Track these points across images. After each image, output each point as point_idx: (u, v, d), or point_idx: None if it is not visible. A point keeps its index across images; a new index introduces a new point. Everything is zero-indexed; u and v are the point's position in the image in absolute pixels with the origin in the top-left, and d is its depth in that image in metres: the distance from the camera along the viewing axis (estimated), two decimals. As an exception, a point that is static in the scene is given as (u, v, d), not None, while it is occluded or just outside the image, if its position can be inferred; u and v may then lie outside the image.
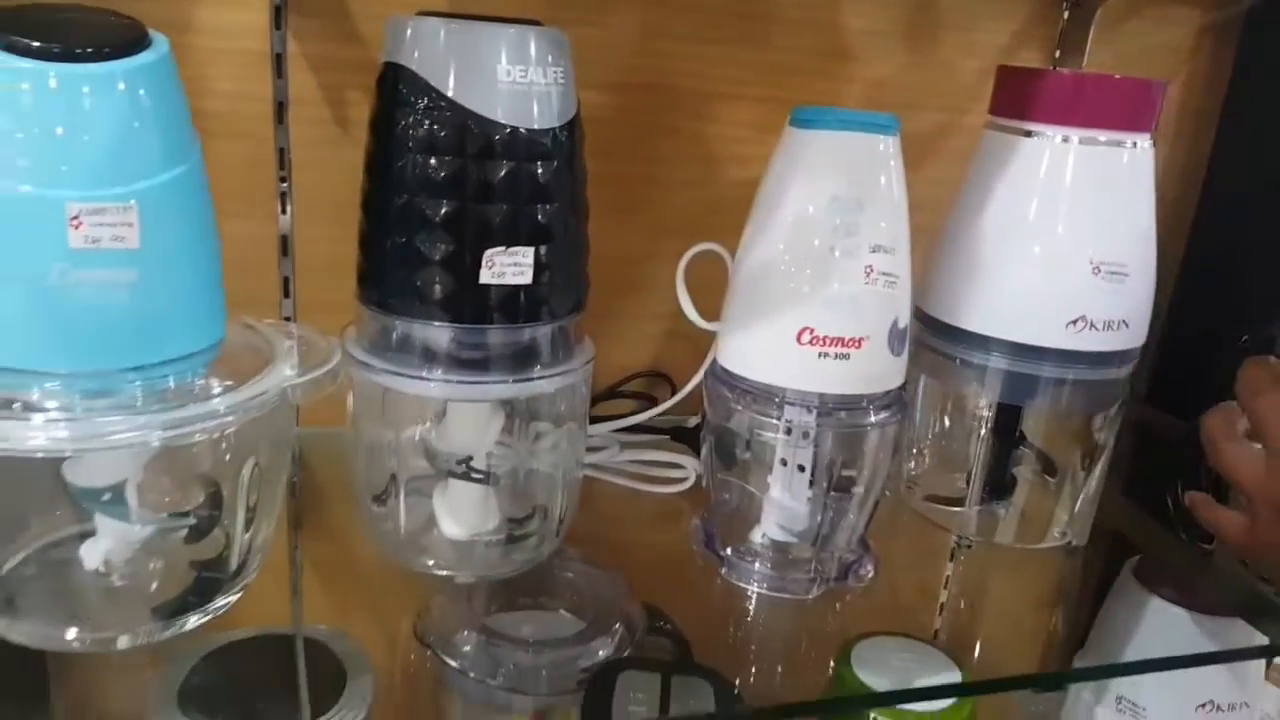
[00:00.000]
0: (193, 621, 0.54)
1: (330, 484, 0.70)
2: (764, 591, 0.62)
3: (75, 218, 0.45)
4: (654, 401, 0.78)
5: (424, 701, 0.68)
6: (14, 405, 0.45)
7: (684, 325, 0.62)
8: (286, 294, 0.71)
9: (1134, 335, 0.63)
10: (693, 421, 0.77)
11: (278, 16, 0.65)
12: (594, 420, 0.74)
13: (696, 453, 0.74)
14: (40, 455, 0.45)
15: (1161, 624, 0.70)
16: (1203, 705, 0.74)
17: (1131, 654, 0.76)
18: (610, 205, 0.61)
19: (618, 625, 0.64)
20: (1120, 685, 0.76)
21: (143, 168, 0.46)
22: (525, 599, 0.68)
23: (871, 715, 0.68)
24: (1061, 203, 0.61)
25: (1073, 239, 0.61)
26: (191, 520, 0.56)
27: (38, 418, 0.45)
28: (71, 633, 0.52)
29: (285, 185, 0.69)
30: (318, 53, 0.67)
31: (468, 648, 0.61)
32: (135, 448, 0.49)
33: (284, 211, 0.70)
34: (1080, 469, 0.69)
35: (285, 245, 0.70)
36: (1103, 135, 0.61)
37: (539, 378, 0.56)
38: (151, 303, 0.48)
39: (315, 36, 0.67)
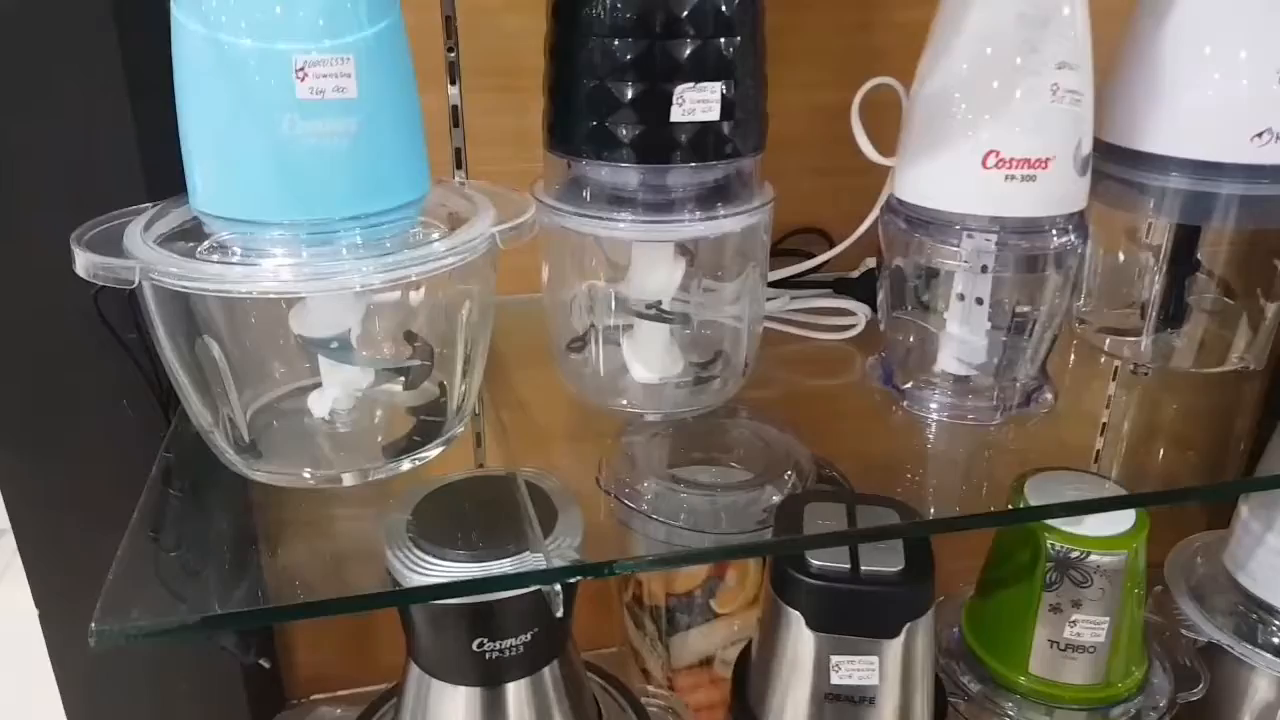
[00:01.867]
0: (412, 462, 0.58)
1: (518, 350, 0.74)
2: (945, 420, 0.64)
3: (300, 69, 0.48)
4: (812, 257, 0.79)
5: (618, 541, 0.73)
6: (248, 252, 0.49)
7: (841, 180, 0.62)
8: (459, 165, 0.74)
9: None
10: (856, 273, 0.78)
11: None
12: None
13: (863, 300, 0.75)
14: (273, 296, 0.49)
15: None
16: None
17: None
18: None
19: (789, 474, 0.67)
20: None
21: (354, 22, 0.49)
22: (699, 453, 0.71)
23: (1049, 542, 0.70)
24: (1241, 8, 0.59)
25: (1256, 46, 0.59)
26: (413, 368, 0.60)
27: (268, 263, 0.48)
28: (305, 472, 0.57)
29: (453, 55, 0.71)
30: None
31: (650, 495, 0.65)
32: (360, 293, 0.53)
33: (453, 82, 0.72)
34: (1260, 292, 0.68)
35: (455, 116, 0.73)
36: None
37: (725, 216, 0.58)
38: (370, 153, 0.51)
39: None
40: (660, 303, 0.62)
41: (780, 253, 0.82)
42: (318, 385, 0.59)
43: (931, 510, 0.61)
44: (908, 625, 0.62)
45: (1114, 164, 0.66)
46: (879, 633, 0.61)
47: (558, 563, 0.52)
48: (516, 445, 0.69)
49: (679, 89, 0.53)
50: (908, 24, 0.62)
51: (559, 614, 0.51)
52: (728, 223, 0.58)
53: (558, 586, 0.50)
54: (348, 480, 0.57)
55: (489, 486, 0.63)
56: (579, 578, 0.55)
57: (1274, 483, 0.67)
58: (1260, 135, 0.60)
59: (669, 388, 0.64)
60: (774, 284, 0.77)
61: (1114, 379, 0.70)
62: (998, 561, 0.76)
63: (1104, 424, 0.69)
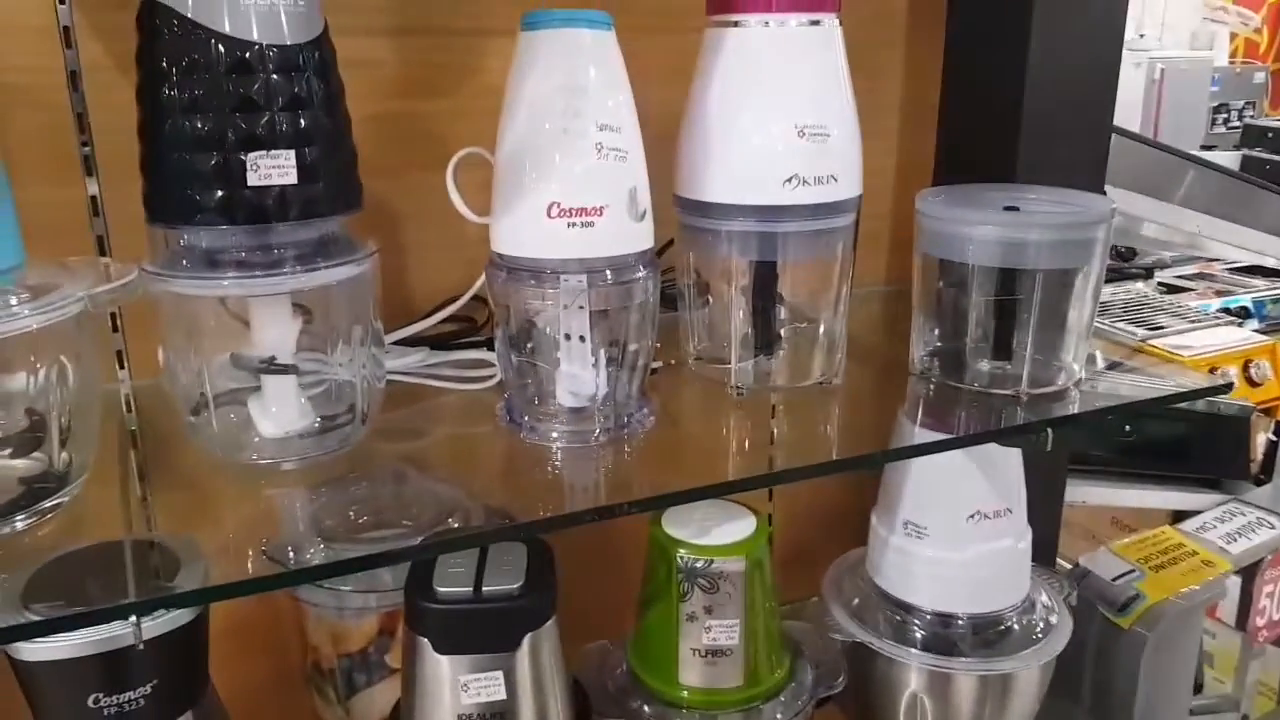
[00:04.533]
0: (19, 523, 0.59)
1: (170, 432, 0.76)
2: (562, 446, 0.70)
3: None
4: (471, 322, 0.86)
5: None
6: None
7: (473, 249, 0.69)
8: (104, 252, 0.77)
9: (845, 187, 0.73)
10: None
11: (58, -9, 0.71)
12: (417, 341, 0.82)
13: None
14: None
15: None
16: (971, 516, 0.85)
17: (910, 480, 0.86)
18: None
19: (434, 517, 0.71)
20: (905, 510, 0.87)
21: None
22: (346, 513, 0.74)
23: (679, 553, 0.77)
24: (767, 77, 0.71)
25: (777, 107, 0.71)
26: (18, 436, 0.61)
27: None
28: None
29: (88, 150, 0.75)
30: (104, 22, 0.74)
31: (316, 560, 0.68)
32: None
33: (90, 174, 0.76)
34: (827, 316, 0.79)
35: (96, 206, 0.76)
36: (794, 19, 0.71)
37: (326, 267, 0.63)
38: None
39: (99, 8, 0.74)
40: (274, 357, 0.66)
41: (452, 319, 0.88)
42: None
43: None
44: (529, 635, 0.67)
45: (695, 216, 0.76)
46: (501, 647, 0.66)
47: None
48: (167, 514, 0.70)
49: (252, 156, 0.59)
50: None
51: (139, 645, 0.53)
52: (325, 274, 0.64)
53: (134, 617, 0.53)
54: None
55: (110, 553, 0.65)
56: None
57: (855, 463, 0.76)
58: (790, 181, 0.71)
59: (294, 439, 0.68)
60: (415, 343, 0.83)
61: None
62: (645, 585, 0.82)
63: (708, 439, 0.77)
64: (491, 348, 0.85)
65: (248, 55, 0.59)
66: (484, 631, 0.66)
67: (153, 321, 0.67)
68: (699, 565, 0.77)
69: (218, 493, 0.70)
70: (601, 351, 0.70)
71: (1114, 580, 1.08)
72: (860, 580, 0.93)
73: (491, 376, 0.80)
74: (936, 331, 0.81)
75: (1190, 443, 1.43)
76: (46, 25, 0.72)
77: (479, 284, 0.75)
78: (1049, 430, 0.74)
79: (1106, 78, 0.96)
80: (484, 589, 0.67)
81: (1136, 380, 0.88)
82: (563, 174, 0.65)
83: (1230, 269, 2.13)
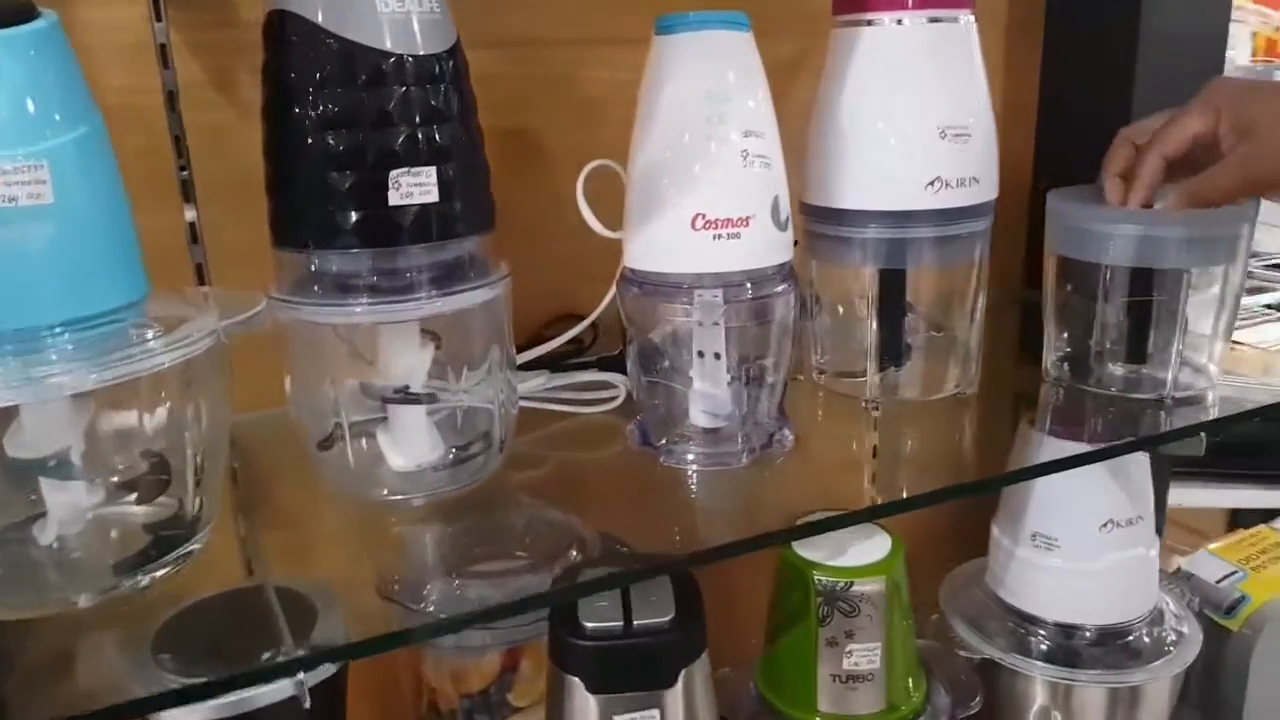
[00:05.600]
0: (148, 578, 0.55)
1: (274, 462, 0.72)
2: (700, 469, 0.67)
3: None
4: (579, 343, 0.82)
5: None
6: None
7: (590, 265, 0.66)
8: (203, 280, 0.74)
9: (986, 189, 0.70)
10: (618, 350, 0.82)
11: (156, 8, 0.68)
12: (523, 366, 0.78)
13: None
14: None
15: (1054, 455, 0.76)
16: (1104, 525, 0.82)
17: (1037, 490, 0.83)
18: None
19: (573, 551, 0.68)
20: (1033, 522, 0.84)
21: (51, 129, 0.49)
22: (480, 547, 0.71)
23: (816, 577, 0.73)
24: (906, 77, 0.68)
25: (920, 108, 0.68)
26: (144, 481, 0.58)
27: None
28: (34, 600, 0.54)
29: (186, 174, 0.72)
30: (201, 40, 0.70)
31: (435, 595, 0.64)
32: (78, 400, 0.51)
33: (188, 200, 0.72)
34: (960, 325, 0.76)
35: (194, 233, 0.73)
36: (929, 16, 0.68)
37: (462, 291, 0.60)
38: (73, 256, 0.50)
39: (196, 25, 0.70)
40: (408, 386, 0.63)
41: (546, 340, 0.84)
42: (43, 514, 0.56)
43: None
44: (684, 671, 0.63)
45: (823, 223, 0.73)
46: (656, 684, 0.63)
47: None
48: (283, 556, 0.67)
49: (394, 174, 0.55)
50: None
51: (306, 705, 0.50)
52: (463, 298, 0.60)
53: (301, 675, 0.49)
54: (83, 602, 0.54)
55: (240, 601, 0.61)
56: (332, 663, 0.54)
57: (1005, 481, 0.73)
58: (933, 184, 0.68)
59: (427, 472, 0.64)
60: (534, 365, 0.79)
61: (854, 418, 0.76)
62: (776, 610, 0.79)
63: (848, 457, 0.74)
64: (604, 368, 0.82)
65: (384, 66, 0.55)
66: (638, 668, 0.63)
67: (249, 352, 0.63)
68: (839, 588, 0.73)
69: (343, 531, 0.67)
70: (741, 369, 0.67)
71: (1217, 582, 1.05)
72: (980, 593, 0.90)
73: (613, 398, 0.77)
74: (1068, 335, 0.78)
75: (1255, 439, 1.40)
76: (142, 42, 0.69)
77: (607, 299, 0.71)
78: (1202, 435, 0.71)
79: (1216, 71, 0.93)
80: (635, 623, 0.63)
81: (1236, 381, 0.85)
82: (707, 184, 0.61)
83: (1264, 265, 2.11)
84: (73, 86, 0.51)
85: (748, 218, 0.62)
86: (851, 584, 0.73)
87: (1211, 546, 1.12)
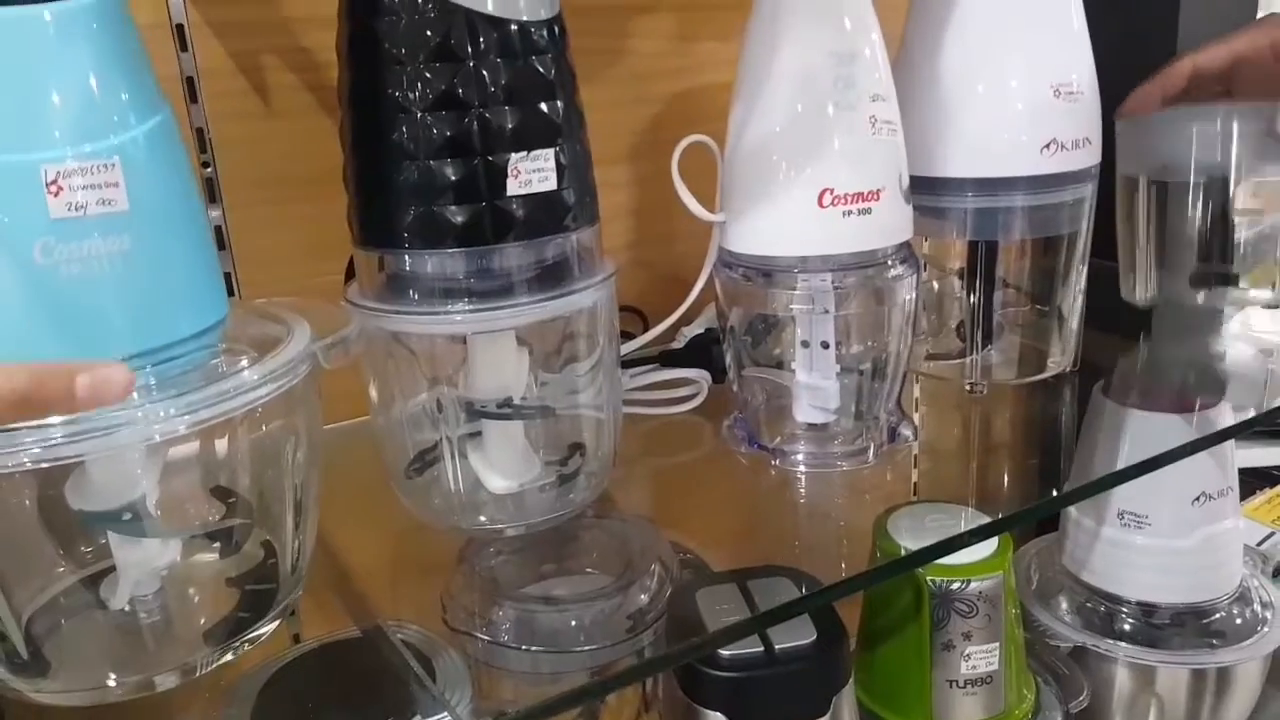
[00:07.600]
0: (245, 645, 0.47)
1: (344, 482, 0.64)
2: (817, 470, 0.61)
3: (53, 182, 0.39)
4: (630, 337, 0.75)
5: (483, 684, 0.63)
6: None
7: (643, 253, 0.59)
8: (232, 290, 0.65)
9: (1097, 150, 0.66)
10: (678, 343, 0.75)
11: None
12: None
13: (700, 367, 0.72)
14: (43, 466, 0.38)
15: (1134, 431, 0.72)
16: (1196, 499, 0.79)
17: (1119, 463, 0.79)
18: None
19: (654, 568, 0.62)
20: (1119, 500, 0.80)
21: (120, 120, 0.41)
22: (549, 566, 0.64)
23: (929, 576, 0.68)
24: (1013, 34, 0.63)
25: (1031, 64, 0.63)
26: (229, 529, 0.49)
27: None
28: (110, 681, 0.45)
29: (210, 171, 0.62)
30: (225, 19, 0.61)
31: (506, 624, 0.57)
32: (157, 446, 0.43)
33: (213, 200, 0.63)
34: (1058, 298, 0.71)
35: (221, 237, 0.64)
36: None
37: (577, 291, 0.52)
38: (150, 275, 0.42)
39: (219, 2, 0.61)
40: (511, 399, 0.55)
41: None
42: (110, 570, 0.47)
43: (843, 569, 0.58)
44: (834, 698, 0.57)
45: (918, 194, 0.68)
46: (805, 715, 0.57)
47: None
48: (360, 596, 0.59)
49: (513, 159, 0.48)
50: (677, 94, 0.60)
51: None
52: (580, 298, 0.53)
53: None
54: (164, 683, 0.46)
55: (344, 653, 0.53)
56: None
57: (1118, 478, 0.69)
58: (1048, 146, 0.63)
59: (530, 494, 0.57)
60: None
61: (953, 403, 0.71)
62: (877, 611, 0.73)
63: (969, 451, 0.69)
64: (665, 364, 0.75)
65: (497, 34, 0.47)
66: (785, 698, 0.57)
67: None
68: (955, 589, 0.68)
69: (437, 563, 0.59)
70: (856, 360, 0.61)
71: (1259, 545, 1.04)
72: (1055, 574, 0.87)
73: (695, 395, 0.70)
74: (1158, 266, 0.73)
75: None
76: (158, 23, 0.59)
77: (700, 285, 0.64)
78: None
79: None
80: (776, 649, 0.57)
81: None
82: (836, 156, 0.55)
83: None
84: (140, 68, 0.42)
85: (878, 190, 0.56)
86: (969, 582, 0.68)
87: (1244, 507, 1.11)
